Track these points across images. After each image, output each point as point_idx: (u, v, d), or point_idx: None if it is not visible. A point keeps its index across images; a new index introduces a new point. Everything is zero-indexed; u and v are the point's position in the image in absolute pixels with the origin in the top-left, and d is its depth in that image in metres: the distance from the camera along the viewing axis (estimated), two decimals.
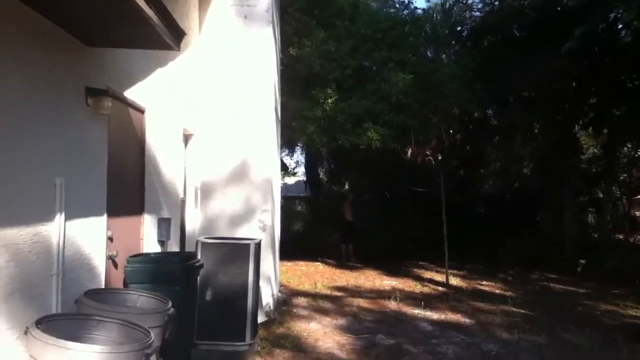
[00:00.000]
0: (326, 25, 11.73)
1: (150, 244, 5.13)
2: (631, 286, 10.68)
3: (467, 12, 17.05)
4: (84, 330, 3.03)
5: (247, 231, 6.81)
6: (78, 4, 3.04)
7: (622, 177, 19.83)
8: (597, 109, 15.19)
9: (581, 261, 13.91)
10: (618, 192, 20.02)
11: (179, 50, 3.97)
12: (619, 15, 10.68)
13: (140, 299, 3.82)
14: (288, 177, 24.16)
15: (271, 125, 7.41)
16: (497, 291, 10.49)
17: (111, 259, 4.31)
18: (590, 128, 16.13)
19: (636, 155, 19.25)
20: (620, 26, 11.41)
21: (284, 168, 19.70)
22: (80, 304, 3.32)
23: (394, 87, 11.00)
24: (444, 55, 13.93)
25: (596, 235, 17.48)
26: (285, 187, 18.16)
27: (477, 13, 16.89)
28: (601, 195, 18.36)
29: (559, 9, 12.65)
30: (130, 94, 4.57)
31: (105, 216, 4.09)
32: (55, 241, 3.33)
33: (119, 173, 4.37)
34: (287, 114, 10.53)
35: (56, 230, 3.34)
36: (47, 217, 3.27)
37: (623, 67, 13.05)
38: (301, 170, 25.44)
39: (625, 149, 18.33)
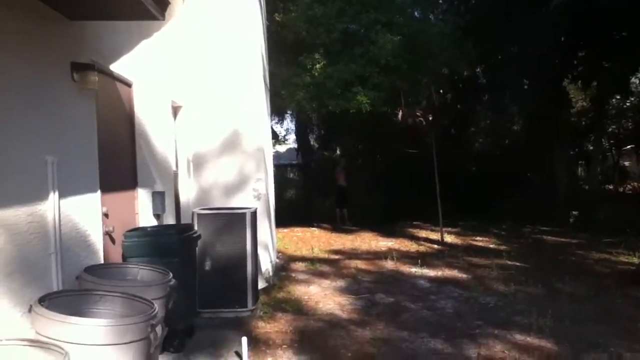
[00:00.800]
0: None
1: (146, 218, 5.14)
2: (622, 234, 10.87)
3: None
4: (88, 305, 3.07)
5: (241, 200, 6.83)
6: None
7: (611, 129, 19.95)
8: (585, 63, 15.16)
9: (573, 212, 14.10)
10: (607, 144, 20.18)
11: (163, 20, 3.90)
12: None
13: (141, 272, 3.85)
14: (279, 145, 24.10)
15: (260, 93, 7.35)
16: (491, 246, 10.65)
17: (108, 235, 4.33)
18: (579, 81, 16.14)
19: (624, 106, 19.33)
20: None
21: (275, 136, 19.63)
22: (82, 280, 3.35)
23: (382, 49, 10.88)
24: (431, 15, 13.77)
25: (587, 187, 17.68)
26: (276, 155, 18.12)
27: None
28: (591, 148, 18.48)
29: None
30: (117, 67, 4.51)
31: (99, 192, 4.08)
32: (50, 220, 3.32)
33: (109, 148, 4.35)
34: (275, 82, 10.43)
35: (51, 208, 3.33)
36: (41, 196, 3.26)
37: (610, 21, 12.98)
38: (292, 137, 25.39)
39: (614, 100, 18.39)
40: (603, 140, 18.81)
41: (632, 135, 19.94)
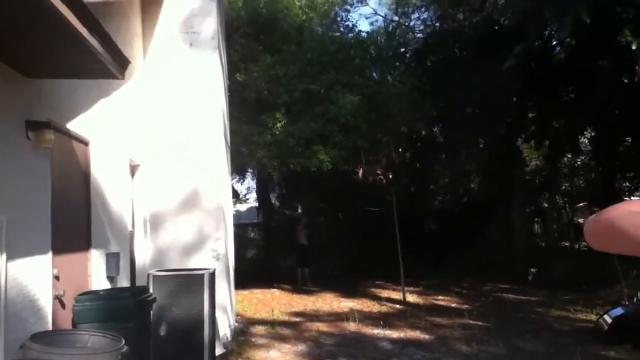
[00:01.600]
0: (272, 50, 11.79)
1: (99, 281, 4.93)
2: (579, 291, 11.04)
3: (410, 33, 17.60)
4: None
5: (200, 261, 6.66)
6: (17, 37, 2.93)
7: (564, 187, 20.64)
8: (537, 122, 15.82)
9: (531, 270, 14.30)
10: (561, 201, 20.81)
11: (123, 79, 3.88)
12: (554, 32, 11.22)
13: (91, 338, 3.64)
14: (240, 204, 23.97)
15: (221, 152, 7.32)
16: (453, 305, 10.63)
17: (58, 299, 4.11)
18: (532, 141, 16.78)
19: (576, 164, 20.12)
20: (555, 43, 11.98)
21: (235, 195, 19.53)
22: (26, 349, 3.13)
23: (342, 108, 11.12)
24: (389, 76, 14.21)
25: (543, 244, 18.05)
26: (237, 215, 17.95)
27: (420, 34, 17.47)
28: (546, 205, 19.01)
29: (496, 27, 13.18)
30: (74, 125, 4.42)
31: (50, 254, 3.91)
32: None
33: (63, 208, 4.20)
34: (236, 140, 10.44)
35: None
36: None
37: (559, 81, 13.68)
38: (253, 196, 25.32)
39: (566, 159, 19.13)
40: (557, 197, 19.40)
41: (584, 193, 20.67)
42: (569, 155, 18.89)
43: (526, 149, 18.64)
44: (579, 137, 16.83)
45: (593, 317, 8.67)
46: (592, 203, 21.75)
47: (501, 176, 15.31)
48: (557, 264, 13.88)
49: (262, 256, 18.96)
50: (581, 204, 21.97)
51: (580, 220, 23.09)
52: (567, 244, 19.52)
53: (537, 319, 9.08)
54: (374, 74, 13.52)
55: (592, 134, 17.04)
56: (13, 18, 2.70)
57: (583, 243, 19.64)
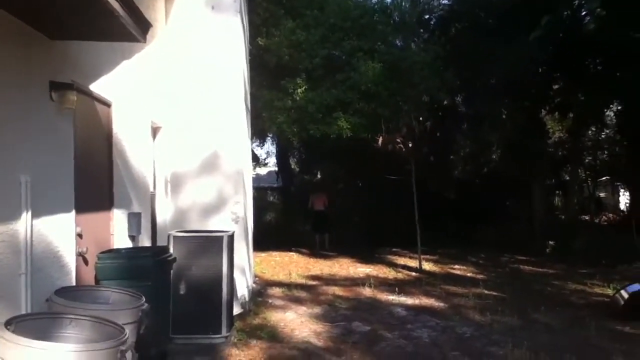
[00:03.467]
0: (295, 14, 11.63)
1: (121, 240, 5.06)
2: (597, 265, 10.99)
3: (435, 0, 17.17)
4: (57, 329, 2.98)
5: (219, 222, 6.77)
6: None
7: (587, 160, 20.32)
8: (562, 94, 15.50)
9: (550, 243, 14.24)
10: (583, 175, 20.53)
11: (145, 42, 3.90)
12: (583, 3, 10.89)
13: (113, 295, 3.77)
14: (259, 168, 24.05)
15: (241, 116, 7.35)
16: (469, 274, 10.68)
17: (81, 256, 4.24)
18: (556, 113, 16.48)
19: (600, 138, 19.75)
20: (584, 13, 11.64)
21: (255, 159, 19.59)
22: (51, 302, 3.27)
23: (363, 76, 11.00)
24: (412, 44, 13.97)
25: (563, 217, 17.91)
26: (256, 178, 18.08)
27: (445, 1, 17.04)
28: (567, 178, 18.78)
29: None
30: (96, 87, 4.48)
31: (73, 212, 4.02)
32: (22, 240, 3.26)
33: (86, 168, 4.29)
34: (257, 105, 10.46)
35: (23, 228, 3.27)
36: (14, 215, 3.20)
37: (587, 53, 13.34)
38: (272, 160, 25.38)
39: (590, 132, 18.77)
40: (579, 171, 19.14)
41: (608, 167, 20.34)
42: (593, 129, 18.53)
43: (549, 121, 18.32)
44: (605, 110, 16.47)
45: (610, 292, 8.64)
46: (615, 177, 21.49)
47: (523, 148, 15.11)
48: (576, 237, 13.80)
49: (281, 220, 19.12)
50: (604, 178, 21.67)
51: (602, 195, 22.85)
52: (587, 217, 19.33)
53: (553, 291, 9.08)
54: (397, 42, 13.30)
55: (619, 108, 16.67)
56: None
57: (603, 217, 19.52)
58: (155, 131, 6.59)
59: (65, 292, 3.47)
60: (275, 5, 11.57)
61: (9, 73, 3.17)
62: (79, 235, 4.15)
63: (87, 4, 2.97)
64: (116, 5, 3.05)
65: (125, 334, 2.78)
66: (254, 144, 18.81)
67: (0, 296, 3.03)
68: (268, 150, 24.59)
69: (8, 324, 2.62)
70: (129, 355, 2.70)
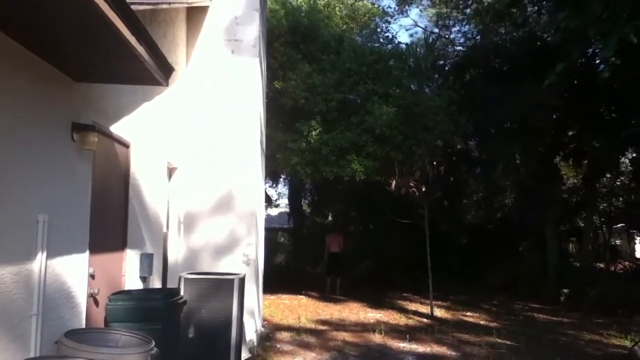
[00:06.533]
0: (311, 59, 11.85)
1: (132, 280, 5.04)
2: (613, 315, 10.74)
3: (450, 46, 17.46)
4: None
5: (230, 264, 6.74)
6: (68, 42, 3.04)
7: (602, 207, 20.11)
8: (576, 141, 15.48)
9: (564, 290, 13.98)
10: (598, 222, 20.28)
11: (167, 86, 3.98)
12: (598, 51, 10.97)
13: (122, 338, 3.73)
14: (271, 209, 24.09)
15: (256, 157, 7.40)
16: (481, 322, 10.47)
17: (92, 297, 4.22)
18: (571, 159, 16.41)
19: (615, 185, 19.58)
20: (598, 61, 11.72)
21: (268, 199, 19.66)
22: (61, 344, 3.24)
23: (378, 119, 11.10)
24: (427, 89, 14.12)
25: (578, 264, 17.62)
26: (268, 219, 18.07)
27: (460, 47, 17.32)
28: (582, 225, 18.55)
29: (538, 44, 12.97)
30: (116, 128, 4.55)
31: (87, 253, 4.02)
32: (36, 280, 3.26)
33: (102, 208, 4.32)
34: (271, 145, 10.54)
35: (37, 268, 3.28)
36: (29, 254, 3.21)
37: (601, 100, 13.37)
38: (284, 201, 25.42)
39: (605, 179, 18.63)
40: (594, 217, 18.92)
41: (623, 214, 20.09)
42: (608, 176, 18.40)
43: (564, 167, 18.24)
44: (620, 157, 16.39)
45: (627, 344, 8.42)
46: (630, 225, 21.19)
47: (537, 194, 15.02)
48: (591, 285, 13.54)
49: (291, 262, 19.01)
50: (619, 225, 21.37)
51: (617, 242, 22.50)
52: (602, 265, 19.00)
53: (568, 341, 8.86)
54: (412, 86, 13.46)
55: (634, 155, 16.58)
56: (64, 24, 2.80)
57: (619, 265, 19.17)
58: (171, 172, 6.65)
59: (74, 334, 3.44)
60: (293, 49, 11.79)
61: (32, 113, 3.24)
62: (92, 276, 4.15)
63: (113, 48, 3.04)
64: (142, 51, 3.12)
65: None
66: (267, 185, 18.89)
67: (12, 336, 3.01)
68: (280, 191, 24.68)
69: None
70: None
